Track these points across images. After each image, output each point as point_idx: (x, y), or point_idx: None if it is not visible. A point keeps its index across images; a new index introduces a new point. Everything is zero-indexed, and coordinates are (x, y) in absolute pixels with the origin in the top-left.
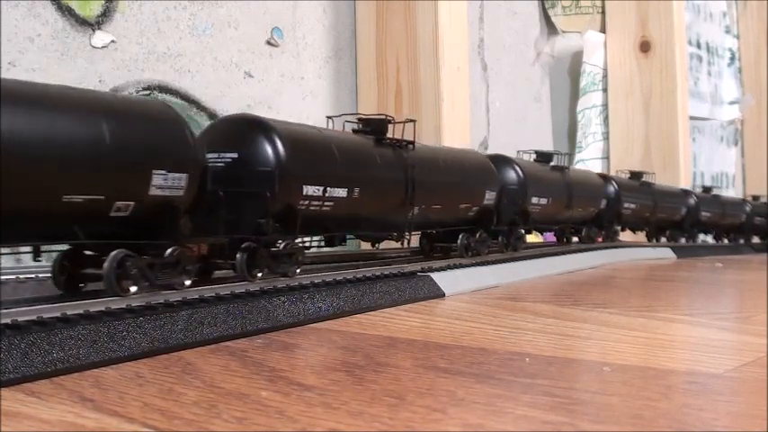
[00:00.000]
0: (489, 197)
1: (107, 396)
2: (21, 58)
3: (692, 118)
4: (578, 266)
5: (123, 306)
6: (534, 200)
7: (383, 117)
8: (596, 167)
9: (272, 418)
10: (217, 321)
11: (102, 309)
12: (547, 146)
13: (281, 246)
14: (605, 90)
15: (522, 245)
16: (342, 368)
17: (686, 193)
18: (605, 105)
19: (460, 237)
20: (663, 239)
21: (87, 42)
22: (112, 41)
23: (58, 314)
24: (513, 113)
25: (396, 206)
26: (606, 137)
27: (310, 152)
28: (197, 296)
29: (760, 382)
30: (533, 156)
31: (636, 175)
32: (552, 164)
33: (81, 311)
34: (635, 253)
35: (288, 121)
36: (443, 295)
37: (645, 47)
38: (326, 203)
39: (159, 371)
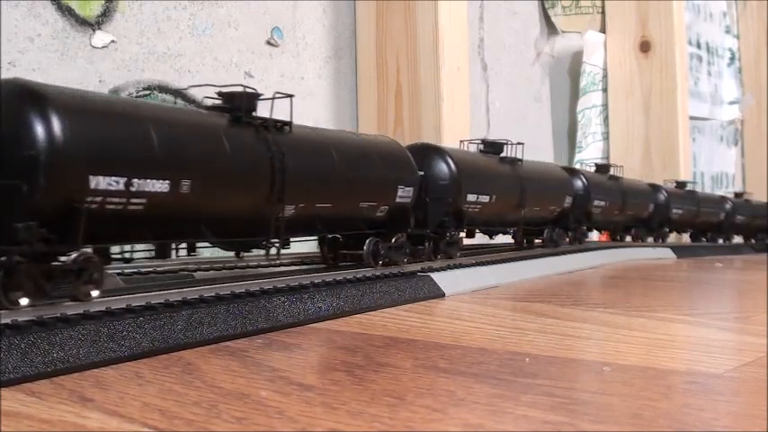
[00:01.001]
0: (404, 194)
1: (107, 396)
2: (21, 58)
3: (692, 118)
4: (578, 266)
5: (123, 306)
6: (471, 197)
7: (245, 90)
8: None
9: (272, 418)
10: (217, 321)
11: (102, 309)
12: (547, 146)
13: (70, 260)
14: (605, 90)
15: (458, 251)
16: (342, 368)
17: (655, 188)
18: (605, 105)
19: (367, 243)
20: (627, 238)
21: (87, 42)
22: (112, 41)
23: (57, 314)
24: (513, 113)
25: (257, 204)
26: (606, 137)
27: (105, 129)
28: (197, 296)
29: (760, 382)
30: (480, 146)
31: (602, 169)
32: (502, 155)
33: (81, 311)
34: (635, 253)
35: (72, 88)
36: (443, 295)
37: (645, 47)
38: (134, 201)
39: (159, 371)
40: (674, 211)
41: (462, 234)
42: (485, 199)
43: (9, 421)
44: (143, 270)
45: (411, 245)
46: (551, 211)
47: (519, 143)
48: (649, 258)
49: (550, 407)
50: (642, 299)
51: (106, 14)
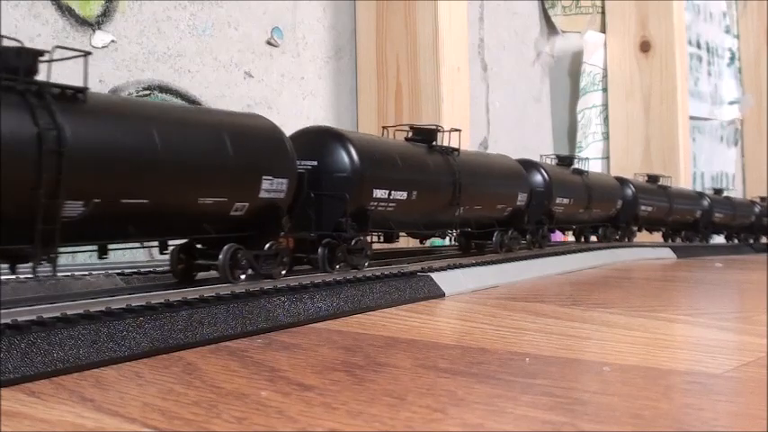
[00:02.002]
0: (271, 188)
1: (107, 396)
2: None
3: (692, 118)
4: (578, 266)
5: (123, 306)
6: (380, 194)
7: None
8: (596, 167)
9: (272, 418)
10: (217, 321)
11: (102, 309)
12: (547, 146)
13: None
14: (605, 90)
15: (366, 259)
16: (342, 368)
17: (623, 183)
18: (605, 105)
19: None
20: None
21: (87, 42)
22: (112, 41)
23: (58, 314)
24: (513, 113)
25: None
26: (606, 137)
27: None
28: (197, 296)
29: (760, 382)
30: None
31: (565, 161)
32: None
33: (81, 311)
34: (635, 253)
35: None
36: (443, 295)
37: (645, 47)
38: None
39: (159, 371)
40: (643, 207)
41: (382, 237)
42: (400, 195)
43: (9, 421)
44: (143, 270)
45: (293, 253)
46: (499, 210)
47: (455, 129)
48: (649, 258)
49: (550, 407)
50: (642, 299)
51: (106, 14)
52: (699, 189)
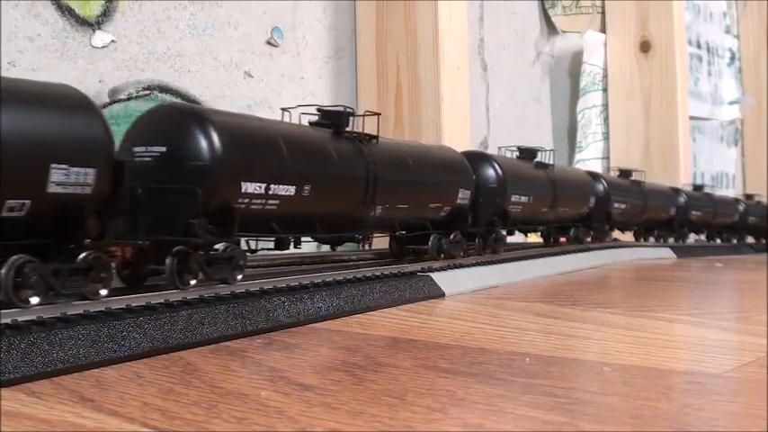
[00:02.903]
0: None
1: (107, 396)
2: (21, 58)
3: (692, 118)
4: (578, 266)
5: (123, 306)
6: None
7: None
8: (596, 167)
9: (272, 418)
10: (217, 321)
11: (102, 309)
12: (547, 146)
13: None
14: (605, 90)
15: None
16: (342, 368)
17: (596, 178)
18: (605, 105)
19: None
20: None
21: (87, 42)
22: (112, 41)
23: (58, 314)
24: (513, 113)
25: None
26: (606, 137)
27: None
28: (197, 296)
29: (760, 382)
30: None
31: (526, 153)
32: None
33: (81, 311)
34: (635, 253)
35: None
36: (443, 295)
37: (645, 47)
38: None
39: (159, 371)
40: (616, 205)
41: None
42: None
43: (9, 421)
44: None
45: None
46: (434, 209)
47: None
48: (649, 258)
49: (550, 407)
50: (642, 299)
51: (106, 14)
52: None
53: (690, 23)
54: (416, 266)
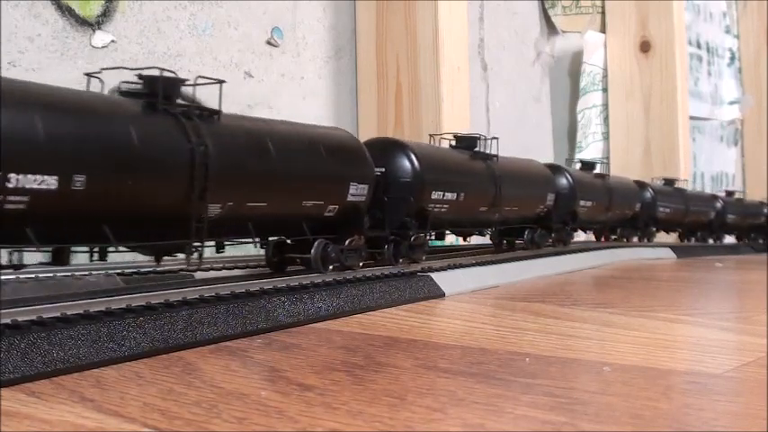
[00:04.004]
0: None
1: (107, 396)
2: (21, 58)
3: (692, 118)
4: (578, 266)
5: (123, 306)
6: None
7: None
8: (596, 167)
9: (272, 418)
10: (217, 321)
11: (102, 309)
12: (547, 146)
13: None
14: (605, 90)
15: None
16: (342, 368)
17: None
18: (605, 105)
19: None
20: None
21: (87, 42)
22: (112, 41)
23: (57, 314)
24: (513, 113)
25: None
26: (606, 137)
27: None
28: (197, 296)
29: (760, 382)
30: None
31: (462, 141)
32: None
33: (81, 311)
34: (635, 253)
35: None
36: (443, 295)
37: (645, 47)
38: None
39: (159, 371)
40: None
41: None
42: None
43: (9, 421)
44: (142, 270)
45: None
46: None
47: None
48: (649, 258)
49: (550, 407)
50: (642, 299)
51: (106, 14)
52: (699, 189)
53: (690, 23)
54: (416, 266)
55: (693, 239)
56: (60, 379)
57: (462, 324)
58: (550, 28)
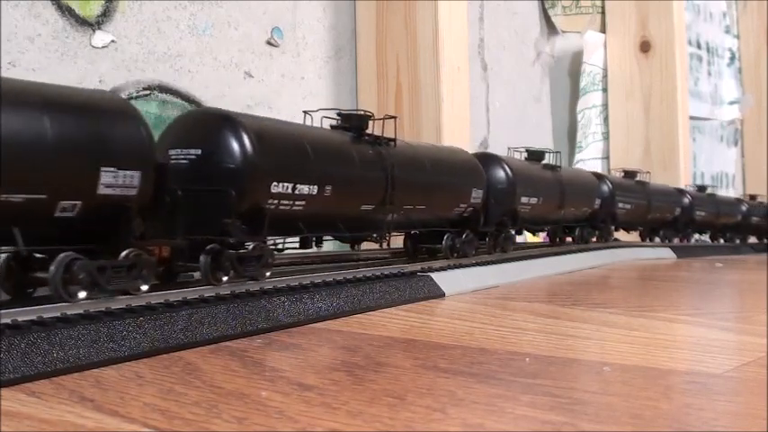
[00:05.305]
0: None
1: (107, 396)
2: (21, 58)
3: (692, 118)
4: (578, 266)
5: (123, 306)
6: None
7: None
8: (596, 167)
9: (272, 418)
10: (217, 321)
11: (102, 309)
12: (547, 146)
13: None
14: (605, 90)
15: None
16: (342, 368)
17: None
18: (605, 105)
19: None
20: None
21: (87, 42)
22: (112, 41)
23: (57, 314)
24: (513, 113)
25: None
26: (606, 137)
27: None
28: (197, 296)
29: (760, 382)
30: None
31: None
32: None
33: (81, 311)
34: (635, 253)
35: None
36: (443, 295)
37: (645, 47)
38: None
39: (159, 371)
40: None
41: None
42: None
43: (9, 421)
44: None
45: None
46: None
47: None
48: (649, 258)
49: (550, 407)
50: (642, 299)
51: (106, 14)
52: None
53: (690, 23)
54: (416, 266)
55: (657, 239)
56: (60, 379)
57: (462, 324)
58: (550, 28)
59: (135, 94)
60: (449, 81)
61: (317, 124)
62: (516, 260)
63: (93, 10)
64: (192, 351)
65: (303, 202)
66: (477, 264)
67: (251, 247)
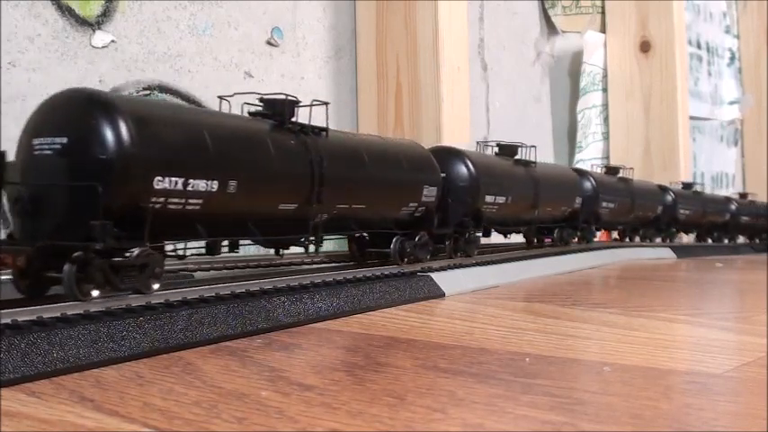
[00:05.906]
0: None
1: (107, 396)
2: (21, 58)
3: (692, 118)
4: (578, 266)
5: (123, 306)
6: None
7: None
8: (596, 167)
9: (272, 418)
10: (217, 321)
11: (102, 309)
12: (547, 146)
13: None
14: (605, 90)
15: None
16: (342, 368)
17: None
18: (605, 105)
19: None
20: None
21: (87, 42)
22: (112, 41)
23: (58, 314)
24: (513, 113)
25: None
26: (606, 137)
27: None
28: (197, 296)
29: (760, 382)
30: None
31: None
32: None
33: (81, 311)
34: (635, 253)
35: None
36: (443, 295)
37: (645, 47)
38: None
39: (159, 371)
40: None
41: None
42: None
43: (9, 421)
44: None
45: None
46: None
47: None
48: (649, 258)
49: (550, 407)
50: (642, 299)
51: (106, 14)
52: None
53: (690, 23)
54: (416, 266)
55: (637, 239)
56: (60, 379)
57: (462, 324)
58: (550, 28)
59: (135, 94)
60: (449, 81)
61: (236, 112)
62: (516, 260)
63: (93, 10)
64: (191, 351)
65: (200, 201)
66: (478, 264)
67: (135, 253)
